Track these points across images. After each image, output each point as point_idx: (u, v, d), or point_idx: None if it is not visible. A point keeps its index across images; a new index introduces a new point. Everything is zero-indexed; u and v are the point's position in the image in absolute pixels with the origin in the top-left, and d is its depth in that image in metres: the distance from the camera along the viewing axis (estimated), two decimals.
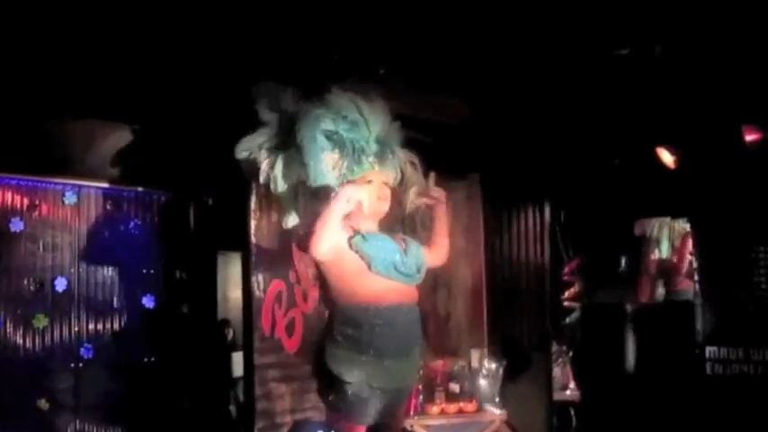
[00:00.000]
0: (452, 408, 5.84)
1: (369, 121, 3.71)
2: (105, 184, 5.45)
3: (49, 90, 4.95)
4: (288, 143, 3.78)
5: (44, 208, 5.36)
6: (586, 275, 6.37)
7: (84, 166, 5.27)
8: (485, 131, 6.09)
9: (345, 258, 3.62)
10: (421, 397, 5.83)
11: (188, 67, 4.90)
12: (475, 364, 6.06)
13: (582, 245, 6.29)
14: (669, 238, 6.43)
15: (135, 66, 4.88)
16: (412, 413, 5.76)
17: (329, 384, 3.68)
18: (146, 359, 5.53)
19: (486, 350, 6.21)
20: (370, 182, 3.70)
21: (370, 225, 3.76)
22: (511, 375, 6.04)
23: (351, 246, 3.61)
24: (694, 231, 5.85)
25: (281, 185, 3.88)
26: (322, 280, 3.79)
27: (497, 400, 5.92)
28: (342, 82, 3.82)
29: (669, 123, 5.49)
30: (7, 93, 4.81)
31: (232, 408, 6.71)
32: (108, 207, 5.54)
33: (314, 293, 6.41)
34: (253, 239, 5.80)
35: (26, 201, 5.31)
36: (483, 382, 5.94)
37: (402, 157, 3.88)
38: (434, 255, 4.10)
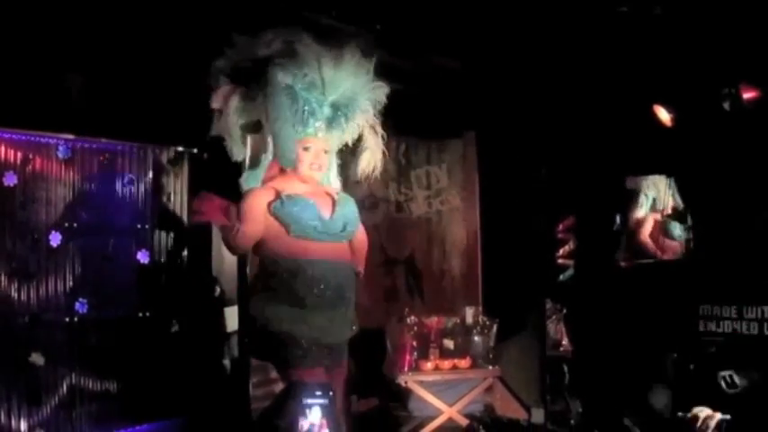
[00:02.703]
0: (446, 364, 5.86)
1: (326, 84, 3.70)
2: (99, 139, 5.40)
3: (43, 43, 4.91)
4: (249, 85, 3.80)
5: (38, 162, 5.33)
6: (580, 233, 6.37)
7: (77, 121, 5.22)
8: (480, 89, 6.06)
9: (266, 222, 3.68)
10: (415, 353, 5.85)
11: (177, 20, 4.87)
12: (469, 320, 6.07)
13: (576, 202, 6.28)
14: (654, 198, 6.42)
15: (128, 18, 4.85)
16: (406, 369, 5.79)
17: (259, 335, 3.80)
18: (140, 314, 5.52)
19: (480, 307, 6.23)
20: (306, 149, 3.74)
21: (299, 188, 3.78)
22: (505, 332, 6.07)
23: (270, 211, 3.66)
24: (687, 188, 5.87)
25: (233, 120, 3.90)
26: None
27: (491, 356, 5.94)
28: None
29: (665, 81, 5.46)
30: (1, 47, 4.77)
31: (226, 362, 6.72)
32: (102, 161, 5.50)
33: None
34: None
35: (20, 155, 5.28)
36: (477, 339, 5.96)
37: (361, 122, 3.91)
38: None
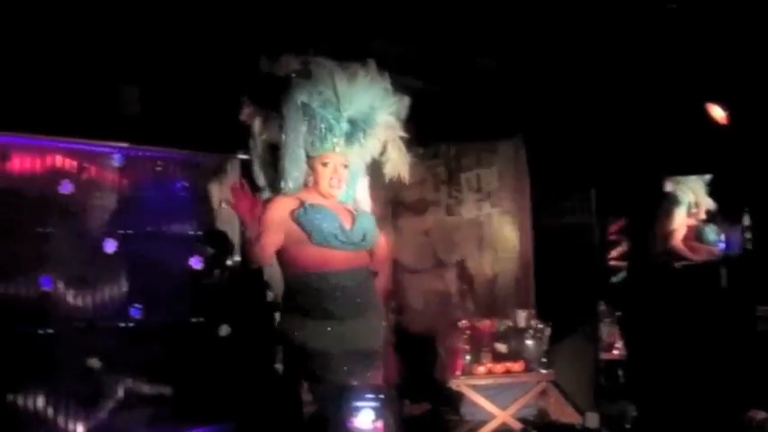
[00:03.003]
0: (499, 368, 5.83)
1: (341, 101, 3.73)
2: (152, 147, 5.48)
3: (99, 56, 5.02)
4: (271, 105, 3.84)
5: (93, 170, 5.43)
6: (633, 235, 6.30)
7: (131, 129, 5.31)
8: (529, 90, 6.02)
9: (289, 229, 3.68)
10: (467, 357, 5.82)
11: (227, 32, 4.95)
12: (522, 324, 6.03)
13: (628, 204, 6.21)
14: (690, 202, 6.36)
15: (179, 31, 4.94)
16: (458, 373, 5.77)
17: (289, 352, 3.86)
18: (193, 319, 5.59)
19: (532, 310, 6.17)
20: (325, 164, 3.77)
21: (319, 200, 3.79)
22: (558, 335, 6.01)
23: (293, 217, 3.67)
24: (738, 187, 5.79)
25: (257, 144, 3.96)
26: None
27: (544, 360, 5.89)
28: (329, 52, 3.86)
29: (719, 80, 5.38)
30: (59, 58, 4.88)
31: (278, 366, 6.76)
32: (155, 169, 5.59)
33: None
34: None
35: (75, 164, 5.38)
36: (530, 343, 5.92)
37: (383, 136, 3.94)
38: None
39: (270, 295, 5.67)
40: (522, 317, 6.07)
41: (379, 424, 3.51)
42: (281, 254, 3.76)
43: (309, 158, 3.76)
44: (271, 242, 3.68)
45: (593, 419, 5.83)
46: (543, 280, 6.39)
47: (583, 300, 6.16)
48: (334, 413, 3.58)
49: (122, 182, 5.51)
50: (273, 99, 3.77)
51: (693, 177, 6.29)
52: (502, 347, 5.96)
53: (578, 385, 6.09)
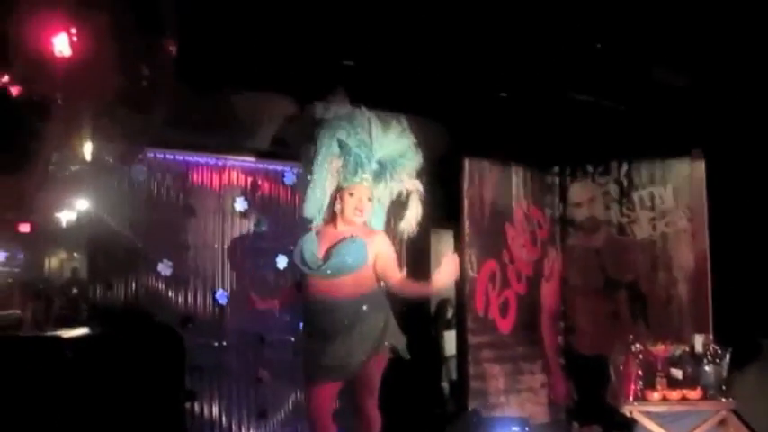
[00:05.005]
0: (675, 394, 5.57)
1: (374, 144, 4.28)
2: None
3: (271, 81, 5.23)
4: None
5: (266, 188, 5.64)
6: None
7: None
8: (709, 106, 5.79)
9: None
10: (641, 382, 5.61)
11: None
12: (699, 349, 5.75)
13: None
14: None
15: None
16: (631, 398, 5.57)
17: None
18: None
19: (710, 335, 5.90)
20: (351, 195, 4.27)
21: (341, 227, 4.31)
22: (739, 361, 5.70)
23: None
24: None
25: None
26: None
27: (724, 387, 5.60)
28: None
29: None
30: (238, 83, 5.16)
31: (444, 385, 6.78)
32: None
33: (527, 273, 6.38)
34: (466, 219, 5.84)
35: (249, 181, 5.61)
36: (708, 369, 5.63)
37: (408, 185, 4.42)
38: None
39: (449, 312, 5.68)
40: (699, 341, 5.80)
41: None
42: None
43: (340, 189, 4.29)
44: None
45: None
46: (722, 302, 6.11)
47: (765, 323, 5.84)
48: None
49: (293, 199, 5.68)
50: (312, 139, 4.32)
51: None
52: (677, 373, 5.70)
53: (763, 415, 5.75)
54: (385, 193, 4.42)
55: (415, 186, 4.46)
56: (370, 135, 4.29)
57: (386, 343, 4.28)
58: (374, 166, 4.32)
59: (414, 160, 4.42)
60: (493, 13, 4.86)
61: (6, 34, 3.90)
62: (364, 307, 4.20)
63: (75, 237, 5.16)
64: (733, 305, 5.98)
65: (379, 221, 4.48)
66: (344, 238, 4.24)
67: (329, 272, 4.17)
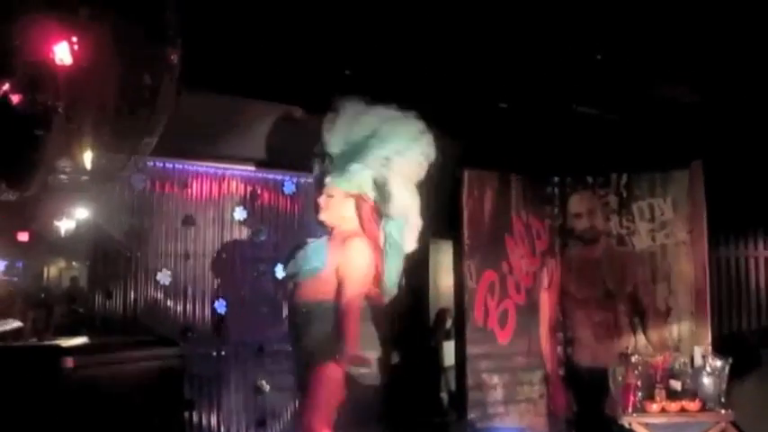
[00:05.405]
0: (674, 406, 5.56)
1: (332, 139, 4.26)
2: None
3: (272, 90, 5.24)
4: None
5: (265, 197, 5.63)
6: None
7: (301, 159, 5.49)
8: (708, 119, 5.81)
9: None
10: (639, 393, 5.60)
11: None
12: (698, 360, 5.75)
13: None
14: None
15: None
16: (630, 410, 5.56)
17: None
18: None
19: (709, 346, 5.90)
20: (331, 196, 4.19)
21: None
22: (738, 374, 5.70)
23: None
24: None
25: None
26: None
27: (723, 399, 5.59)
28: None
29: None
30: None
31: (443, 395, 6.77)
32: None
33: (527, 284, 6.37)
34: (465, 229, 5.83)
35: (249, 190, 5.60)
36: (707, 380, 5.62)
37: (372, 172, 4.20)
38: None
39: (448, 323, 5.68)
40: (698, 352, 5.80)
41: None
42: None
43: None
44: None
45: None
46: (721, 314, 6.11)
47: (765, 335, 5.85)
48: None
49: (293, 208, 5.68)
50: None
51: None
52: (676, 384, 5.70)
53: (762, 426, 5.76)
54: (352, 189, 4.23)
55: (379, 172, 4.24)
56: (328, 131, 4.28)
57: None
58: (336, 162, 4.23)
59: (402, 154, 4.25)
60: (492, 25, 4.87)
61: (7, 43, 3.91)
62: (315, 313, 4.02)
63: (74, 245, 5.16)
64: (732, 316, 5.99)
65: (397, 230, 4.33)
66: (310, 242, 4.25)
67: (286, 274, 4.27)
